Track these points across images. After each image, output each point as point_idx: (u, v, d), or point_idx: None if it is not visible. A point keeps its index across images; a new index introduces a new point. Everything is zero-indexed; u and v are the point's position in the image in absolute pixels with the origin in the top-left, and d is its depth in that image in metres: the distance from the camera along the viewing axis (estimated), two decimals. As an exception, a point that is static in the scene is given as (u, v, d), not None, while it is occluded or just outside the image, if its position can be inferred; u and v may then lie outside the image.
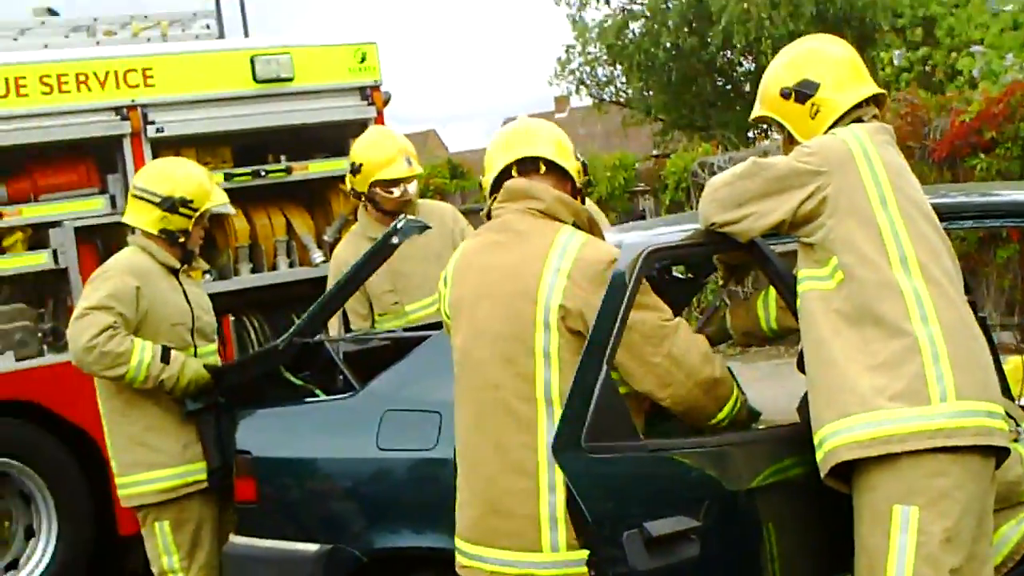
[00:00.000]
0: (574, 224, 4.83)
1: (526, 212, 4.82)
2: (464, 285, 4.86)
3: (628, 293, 4.40)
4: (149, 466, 6.52)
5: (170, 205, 6.57)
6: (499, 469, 4.65)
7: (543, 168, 4.91)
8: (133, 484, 6.57)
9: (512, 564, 4.62)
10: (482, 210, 5.00)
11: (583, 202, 4.99)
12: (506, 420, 4.64)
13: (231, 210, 7.22)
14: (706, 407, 4.76)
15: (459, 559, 4.83)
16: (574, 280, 4.60)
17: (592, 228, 4.89)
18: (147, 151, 9.62)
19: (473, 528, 4.74)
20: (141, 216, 6.65)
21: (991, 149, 15.00)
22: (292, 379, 6.32)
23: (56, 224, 9.26)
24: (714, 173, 4.92)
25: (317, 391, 6.32)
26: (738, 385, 4.94)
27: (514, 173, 4.93)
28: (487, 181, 5.03)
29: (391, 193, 7.65)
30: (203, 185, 6.73)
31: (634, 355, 4.57)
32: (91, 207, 9.43)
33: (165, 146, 9.76)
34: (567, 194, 4.90)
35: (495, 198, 4.94)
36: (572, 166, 4.98)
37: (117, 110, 9.60)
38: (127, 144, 9.61)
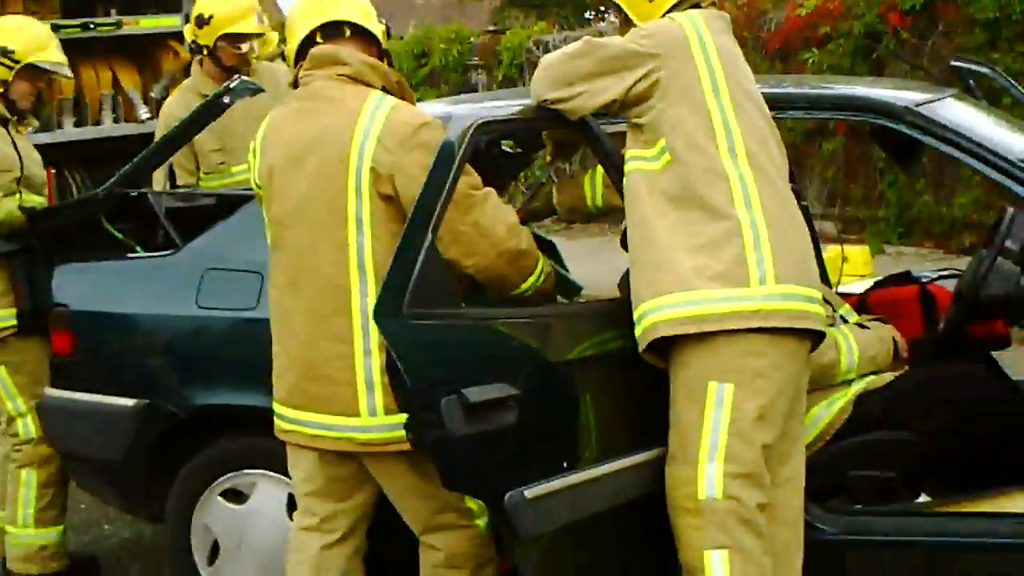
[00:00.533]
0: (383, 89, 4.82)
1: (334, 78, 4.80)
2: (274, 154, 4.82)
3: (456, 164, 4.41)
4: None
5: None
6: (314, 335, 4.68)
7: (348, 32, 4.89)
8: None
9: (332, 428, 4.67)
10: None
11: (390, 66, 4.97)
12: (320, 287, 4.66)
13: (65, 71, 7.02)
14: (509, 276, 4.78)
15: (279, 424, 4.86)
16: (384, 144, 4.60)
17: (403, 93, 4.89)
18: (-32, -4, 9.39)
19: (292, 394, 4.76)
20: None
21: (824, 44, 15.21)
22: (111, 230, 6.24)
23: None
24: (549, 51, 4.92)
25: (137, 247, 6.25)
26: (547, 259, 4.98)
27: (319, 39, 4.89)
28: (290, 49, 5.00)
29: (238, 49, 7.58)
30: (34, 39, 6.56)
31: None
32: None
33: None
34: (374, 58, 4.90)
35: (300, 66, 4.91)
36: (378, 29, 4.97)
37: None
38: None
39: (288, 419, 4.81)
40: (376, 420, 4.61)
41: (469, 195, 4.63)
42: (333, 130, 4.68)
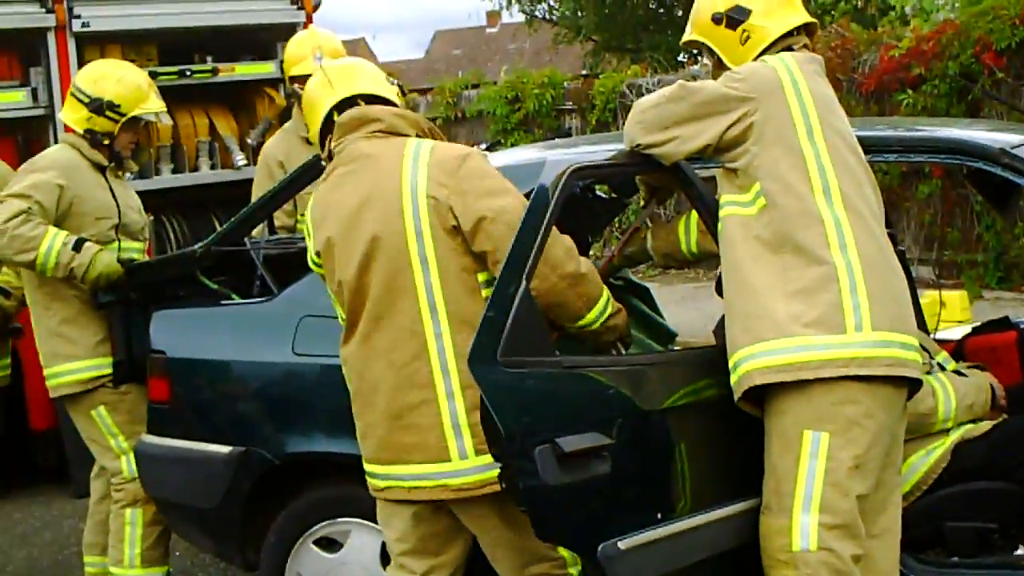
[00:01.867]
0: (417, 135, 4.89)
1: (369, 136, 4.87)
2: (327, 226, 4.86)
3: (551, 210, 4.41)
4: (66, 358, 6.52)
5: (97, 107, 6.51)
6: (395, 385, 4.69)
7: (361, 104, 5.00)
8: (53, 376, 6.59)
9: (425, 477, 4.67)
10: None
11: None
12: (395, 335, 4.68)
13: (165, 119, 7.14)
14: (573, 303, 4.73)
15: (373, 484, 4.86)
16: (435, 179, 4.67)
17: (436, 136, 4.96)
18: (71, 45, 9.49)
19: (381, 449, 4.77)
20: (71, 114, 6.63)
21: (918, 85, 15.13)
22: (207, 283, 6.30)
23: (-24, 115, 9.12)
24: (642, 95, 4.93)
25: (233, 295, 6.31)
26: (612, 297, 4.93)
27: (335, 118, 4.99)
28: (313, 134, 5.14)
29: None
30: (137, 91, 6.64)
31: (500, 247, 4.55)
32: (12, 99, 9.28)
33: (90, 41, 9.65)
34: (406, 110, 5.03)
35: (330, 139, 5.01)
36: (391, 92, 5.09)
37: (42, 2, 9.45)
38: (51, 37, 9.47)
39: (382, 476, 4.81)
40: (467, 463, 4.61)
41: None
42: (381, 181, 4.74)
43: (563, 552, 4.78)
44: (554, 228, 4.58)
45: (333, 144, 4.96)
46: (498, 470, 4.34)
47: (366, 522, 5.44)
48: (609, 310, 4.83)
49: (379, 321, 4.70)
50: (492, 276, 4.60)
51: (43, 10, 9.42)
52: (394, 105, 5.05)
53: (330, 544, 5.71)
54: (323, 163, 5.09)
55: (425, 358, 4.64)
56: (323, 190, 4.96)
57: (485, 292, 4.65)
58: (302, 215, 7.40)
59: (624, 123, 5.01)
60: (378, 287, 4.69)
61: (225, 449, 5.80)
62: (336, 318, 4.97)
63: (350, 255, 4.75)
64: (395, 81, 5.19)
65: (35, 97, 9.32)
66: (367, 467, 4.86)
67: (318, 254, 4.93)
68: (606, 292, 4.84)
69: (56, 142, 6.73)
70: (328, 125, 5.03)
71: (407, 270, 4.65)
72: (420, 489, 4.71)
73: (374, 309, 4.71)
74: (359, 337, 4.76)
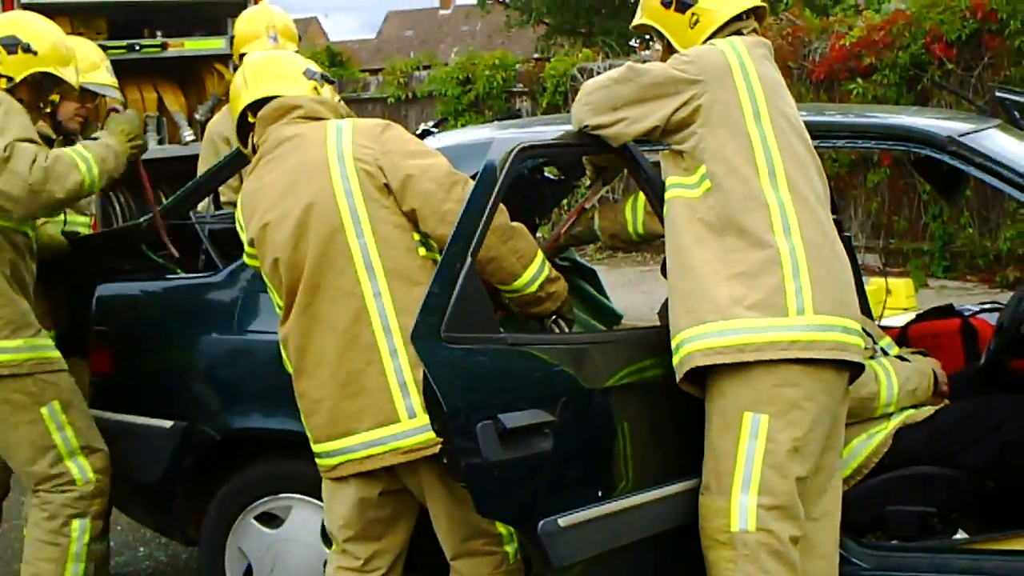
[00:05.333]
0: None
1: (291, 123, 4.97)
2: (259, 213, 4.90)
3: (498, 187, 4.42)
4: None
5: (10, 44, 5.95)
6: (339, 351, 4.71)
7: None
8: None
9: (377, 443, 4.69)
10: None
11: None
12: (334, 301, 4.71)
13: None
14: (507, 259, 4.74)
15: (325, 463, 4.86)
16: (359, 143, 4.79)
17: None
18: (19, 16, 9.41)
19: (331, 424, 4.78)
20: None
21: (869, 75, 15.21)
22: (152, 256, 6.27)
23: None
24: (593, 78, 4.93)
25: (177, 270, 6.28)
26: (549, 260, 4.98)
27: (250, 119, 5.12)
28: (232, 133, 5.32)
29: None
30: (84, 59, 6.42)
31: (427, 202, 4.65)
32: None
33: (38, 12, 9.57)
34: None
35: (252, 136, 5.12)
36: (306, 87, 5.18)
37: (-12, -29, 9.40)
38: (-3, 7, 9.42)
39: (334, 452, 4.81)
40: (416, 422, 4.62)
41: (451, 173, 4.75)
42: (308, 156, 4.83)
43: (501, 528, 4.81)
44: None
45: (256, 138, 5.05)
46: (438, 453, 4.37)
47: (308, 498, 5.43)
48: (546, 272, 4.85)
49: (317, 289, 4.72)
50: (424, 234, 4.69)
51: (-11, -20, 9.35)
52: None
53: (271, 519, 5.69)
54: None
55: (366, 319, 4.67)
56: (250, 182, 5.02)
57: (422, 251, 4.72)
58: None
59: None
60: (313, 255, 4.72)
61: (167, 424, 5.76)
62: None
63: (283, 230, 4.78)
64: (316, 73, 5.27)
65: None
66: (316, 447, 4.86)
67: (251, 243, 4.96)
68: (540, 254, 4.86)
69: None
70: (246, 123, 5.14)
71: (340, 232, 4.69)
72: (373, 457, 4.71)
73: (311, 278, 4.73)
74: (297, 310, 4.78)
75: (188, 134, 10.38)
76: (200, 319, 5.91)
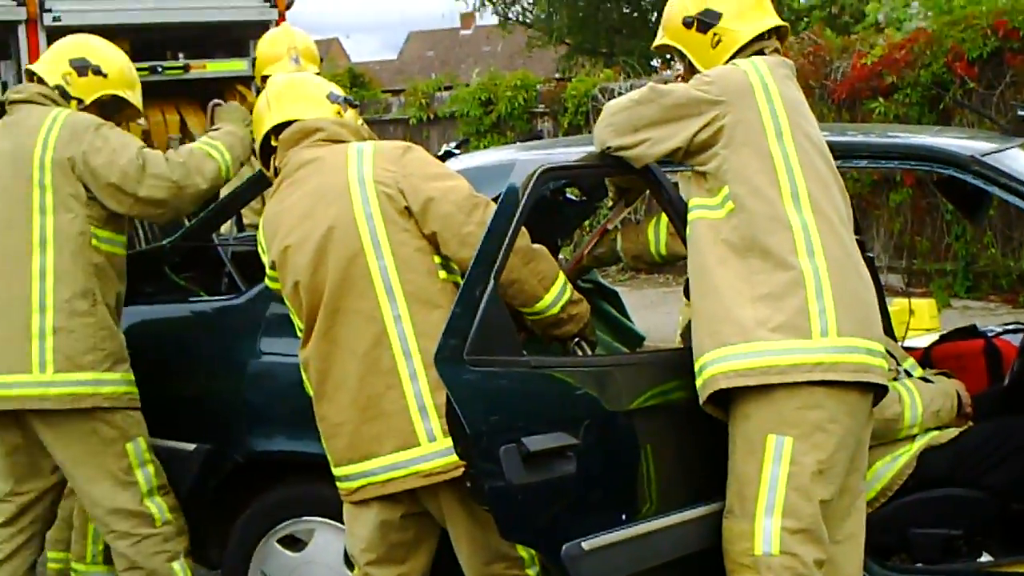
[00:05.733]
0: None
1: (312, 145, 4.98)
2: (281, 235, 4.90)
3: (520, 210, 4.41)
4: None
5: (81, 66, 5.97)
6: (360, 375, 4.71)
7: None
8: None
9: (398, 466, 4.69)
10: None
11: None
12: (354, 325, 4.71)
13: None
14: (528, 281, 4.73)
15: (346, 487, 4.85)
16: (379, 166, 4.79)
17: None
18: (42, 39, 9.50)
19: (351, 448, 4.77)
20: (48, 67, 6.08)
21: (890, 94, 15.20)
22: (175, 279, 6.28)
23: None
24: (614, 98, 4.93)
25: (200, 292, 6.29)
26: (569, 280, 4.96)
27: (273, 143, 5.13)
28: (257, 157, 5.30)
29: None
30: (130, 73, 6.21)
31: (448, 224, 4.65)
32: (-17, 91, 9.25)
33: (61, 35, 9.51)
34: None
35: (274, 158, 5.14)
36: (329, 110, 5.19)
37: (14, -5, 9.45)
38: (22, 31, 9.48)
39: (354, 476, 4.80)
40: (436, 445, 4.62)
41: (472, 195, 4.74)
42: (328, 179, 4.83)
43: (522, 552, 4.79)
44: None
45: (278, 161, 5.07)
46: (461, 477, 4.37)
47: (331, 521, 5.41)
48: (568, 294, 4.84)
49: (337, 313, 4.72)
50: (445, 257, 4.69)
51: (14, 3, 9.44)
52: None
53: (294, 543, 5.68)
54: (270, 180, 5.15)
55: (386, 343, 4.67)
56: (271, 205, 5.03)
57: (442, 274, 4.72)
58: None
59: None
60: (334, 278, 4.72)
61: (191, 446, 5.77)
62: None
63: (304, 253, 4.78)
64: (340, 96, 5.26)
65: (5, 89, 9.29)
66: (337, 471, 4.85)
67: (273, 266, 4.96)
68: (562, 276, 4.86)
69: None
70: (268, 146, 5.16)
71: (360, 256, 4.70)
72: (394, 480, 4.71)
73: (331, 302, 4.73)
74: (318, 334, 4.78)
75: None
76: (222, 342, 5.90)
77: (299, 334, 4.93)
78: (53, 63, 5.94)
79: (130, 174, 5.54)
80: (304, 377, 4.94)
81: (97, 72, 5.92)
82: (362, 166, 4.80)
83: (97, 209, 5.62)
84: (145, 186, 5.54)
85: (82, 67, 5.90)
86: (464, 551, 4.83)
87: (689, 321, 4.74)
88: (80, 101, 5.87)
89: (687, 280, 4.82)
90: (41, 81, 5.91)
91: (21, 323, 5.48)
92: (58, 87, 5.85)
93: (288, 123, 5.08)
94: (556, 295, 4.81)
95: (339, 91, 5.32)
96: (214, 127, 6.13)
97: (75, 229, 5.56)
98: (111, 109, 5.99)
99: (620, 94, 5.11)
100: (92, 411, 5.54)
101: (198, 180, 5.66)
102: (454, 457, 4.44)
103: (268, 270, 5.03)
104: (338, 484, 4.87)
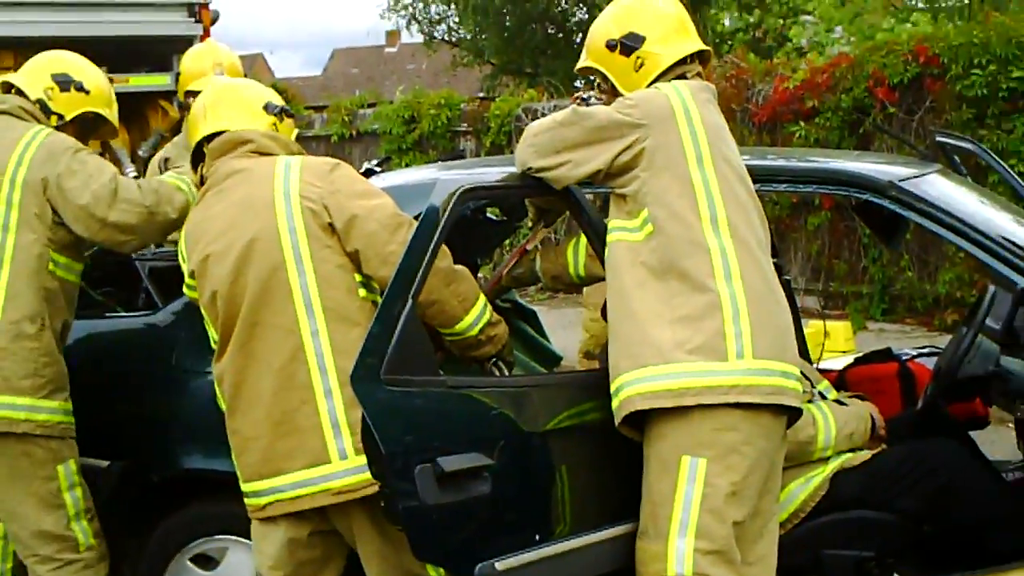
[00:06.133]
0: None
1: (241, 156, 4.96)
2: (202, 245, 4.88)
3: (440, 229, 4.41)
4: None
5: (64, 81, 5.94)
6: (274, 389, 4.69)
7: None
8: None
9: (308, 483, 4.67)
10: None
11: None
12: (272, 339, 4.69)
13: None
14: (449, 302, 4.75)
15: (254, 503, 4.83)
16: (306, 180, 4.77)
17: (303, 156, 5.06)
18: (-34, 49, 9.44)
19: (263, 463, 4.75)
20: (28, 79, 6.01)
21: (811, 117, 15.32)
22: (92, 294, 6.23)
23: None
24: (537, 119, 4.94)
25: (118, 308, 6.24)
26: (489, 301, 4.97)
27: (204, 149, 5.09)
28: (190, 162, 5.25)
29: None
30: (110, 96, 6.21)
31: (371, 243, 4.64)
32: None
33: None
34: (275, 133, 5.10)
35: (202, 167, 5.10)
36: (264, 122, 5.14)
37: (-68, 5, 9.38)
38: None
39: (263, 492, 4.78)
40: (347, 463, 4.62)
41: (396, 215, 4.74)
42: (254, 191, 4.82)
43: (432, 573, 4.77)
44: None
45: (205, 169, 5.04)
46: (376, 496, 4.37)
47: (244, 540, 5.37)
48: (487, 316, 4.86)
49: (255, 327, 4.71)
50: (366, 275, 4.68)
51: (-69, 13, 9.34)
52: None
53: (207, 561, 5.65)
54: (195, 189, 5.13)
55: (302, 358, 4.65)
56: (195, 212, 5.02)
57: (362, 292, 4.71)
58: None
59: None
60: (253, 290, 4.70)
61: (104, 463, 5.72)
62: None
63: (224, 264, 4.77)
64: (277, 107, 5.22)
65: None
66: (246, 487, 4.83)
67: (192, 275, 4.93)
68: (483, 297, 4.88)
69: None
70: (200, 153, 5.11)
71: (281, 270, 4.68)
72: (303, 498, 4.69)
73: (249, 315, 4.71)
74: (234, 347, 4.76)
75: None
76: (139, 358, 5.87)
77: (213, 346, 4.90)
78: (34, 76, 5.89)
79: (102, 197, 5.47)
80: (217, 391, 4.91)
81: (80, 88, 5.89)
82: (288, 180, 4.78)
83: (61, 233, 5.55)
84: (116, 210, 5.47)
85: (65, 82, 5.87)
86: (374, 570, 4.81)
87: (606, 342, 4.75)
88: (60, 117, 5.84)
89: (604, 301, 4.82)
90: (20, 93, 5.84)
91: None
92: (39, 101, 5.80)
93: (215, 134, 5.05)
94: (476, 317, 4.82)
95: (278, 101, 5.28)
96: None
97: (35, 251, 5.49)
98: (89, 126, 5.97)
99: (543, 114, 5.14)
100: (25, 435, 5.45)
101: (167, 209, 5.58)
102: (366, 475, 4.43)
103: (187, 278, 5.00)
104: (246, 500, 4.84)
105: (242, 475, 4.83)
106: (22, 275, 5.46)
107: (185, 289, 5.07)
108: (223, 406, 4.87)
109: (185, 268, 4.99)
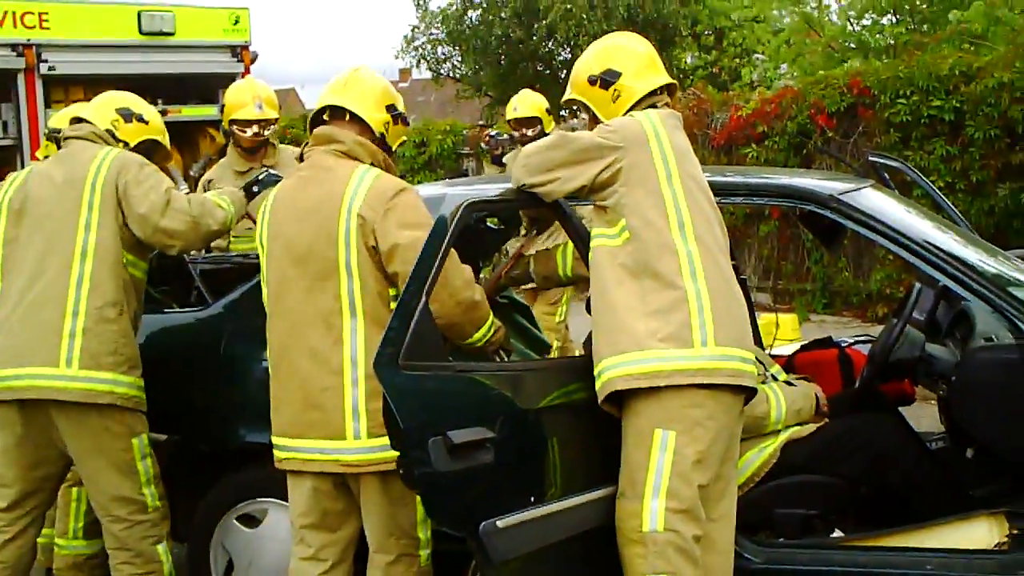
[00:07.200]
0: (372, 164, 4.90)
1: (331, 153, 4.89)
2: (277, 216, 4.89)
3: (448, 237, 4.40)
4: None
5: (126, 114, 6.02)
6: (313, 370, 4.70)
7: (347, 116, 4.98)
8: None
9: (322, 451, 4.71)
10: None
11: (388, 151, 5.06)
12: (318, 328, 4.70)
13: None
14: (464, 327, 4.79)
15: (277, 455, 4.86)
16: (368, 201, 4.69)
17: (389, 169, 4.97)
18: (39, 86, 9.46)
19: (292, 424, 4.77)
20: (97, 113, 6.06)
21: (762, 141, 15.35)
22: (152, 291, 6.23)
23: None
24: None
25: (173, 304, 6.26)
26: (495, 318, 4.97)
27: (326, 117, 5.01)
28: (309, 119, 5.14)
29: (244, 132, 7.76)
30: (162, 127, 6.28)
31: (408, 269, 4.51)
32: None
33: (55, 83, 9.62)
34: (366, 139, 4.96)
35: (306, 144, 5.05)
36: (377, 118, 5.01)
37: (14, 47, 9.40)
38: (21, 78, 9.43)
39: (285, 448, 4.82)
40: (359, 443, 4.66)
41: None
42: (328, 193, 4.76)
43: (421, 535, 4.83)
44: (456, 259, 4.64)
45: (305, 150, 5.01)
46: (384, 453, 4.44)
47: (282, 502, 5.35)
48: (491, 332, 4.89)
49: (304, 315, 4.72)
50: (399, 292, 4.60)
51: (14, 54, 9.36)
52: (369, 128, 4.98)
53: (250, 520, 5.67)
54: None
55: (339, 349, 4.67)
56: (286, 186, 4.99)
57: (394, 305, 4.65)
58: (235, 237, 7.39)
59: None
60: (307, 282, 4.72)
61: (162, 437, 5.71)
62: (258, 328, 4.96)
63: (288, 248, 4.78)
64: (397, 111, 5.09)
65: (5, 129, 9.28)
66: (275, 439, 4.86)
67: (264, 239, 4.94)
68: (491, 317, 4.89)
69: (23, 168, 6.47)
70: (315, 123, 5.05)
71: (334, 274, 4.68)
72: (314, 462, 4.74)
73: (301, 303, 4.73)
74: (286, 325, 4.79)
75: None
76: (191, 347, 5.90)
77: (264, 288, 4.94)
78: (101, 111, 5.95)
79: (158, 206, 5.52)
80: (268, 345, 4.92)
81: (140, 120, 5.98)
82: (355, 195, 4.72)
83: (127, 233, 5.58)
84: (167, 217, 5.53)
85: (127, 115, 5.95)
86: (372, 522, 4.83)
87: (590, 332, 4.74)
88: (126, 144, 5.89)
89: (588, 297, 4.81)
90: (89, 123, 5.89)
91: (54, 324, 5.40)
92: (108, 130, 5.86)
93: (339, 108, 4.97)
94: (483, 334, 4.87)
95: (400, 106, 5.15)
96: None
97: (112, 247, 5.51)
98: (148, 152, 5.98)
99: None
100: (106, 409, 5.44)
101: (210, 221, 5.66)
102: (372, 455, 4.57)
103: (259, 236, 5.00)
104: (273, 450, 4.88)
105: (274, 428, 4.87)
106: (103, 267, 5.49)
107: (258, 246, 5.02)
108: (270, 360, 4.91)
109: (261, 226, 4.99)
